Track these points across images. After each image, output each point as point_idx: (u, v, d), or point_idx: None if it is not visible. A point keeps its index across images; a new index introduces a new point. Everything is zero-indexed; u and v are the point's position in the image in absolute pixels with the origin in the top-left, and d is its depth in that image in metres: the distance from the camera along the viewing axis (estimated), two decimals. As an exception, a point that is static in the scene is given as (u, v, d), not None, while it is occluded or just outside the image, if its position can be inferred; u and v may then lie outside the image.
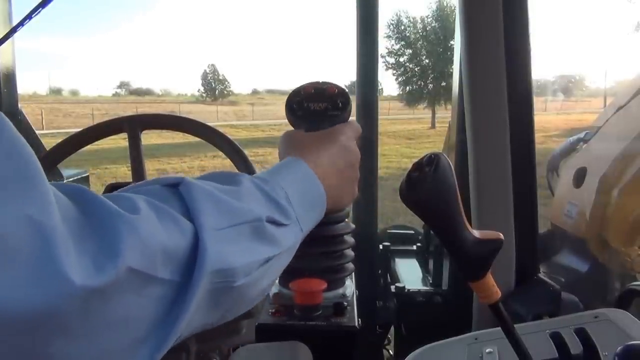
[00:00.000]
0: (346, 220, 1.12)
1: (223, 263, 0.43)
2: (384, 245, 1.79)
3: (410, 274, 1.69)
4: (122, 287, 0.35)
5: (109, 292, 0.34)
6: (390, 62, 29.98)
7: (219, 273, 0.43)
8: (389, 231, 1.95)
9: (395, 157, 12.82)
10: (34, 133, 1.93)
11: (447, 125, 1.84)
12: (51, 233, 0.31)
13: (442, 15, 28.71)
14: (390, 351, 1.74)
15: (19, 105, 1.87)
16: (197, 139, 1.07)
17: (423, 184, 0.53)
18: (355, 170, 0.66)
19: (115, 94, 67.76)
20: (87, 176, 2.13)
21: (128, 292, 0.36)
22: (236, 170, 1.00)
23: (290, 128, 0.70)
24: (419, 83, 30.10)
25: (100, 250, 0.34)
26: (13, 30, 1.28)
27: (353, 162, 0.65)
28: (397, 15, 29.61)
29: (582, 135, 2.63)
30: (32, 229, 0.31)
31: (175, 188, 0.46)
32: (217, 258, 0.43)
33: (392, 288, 1.57)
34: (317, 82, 0.73)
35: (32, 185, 0.32)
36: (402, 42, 30.03)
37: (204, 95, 54.42)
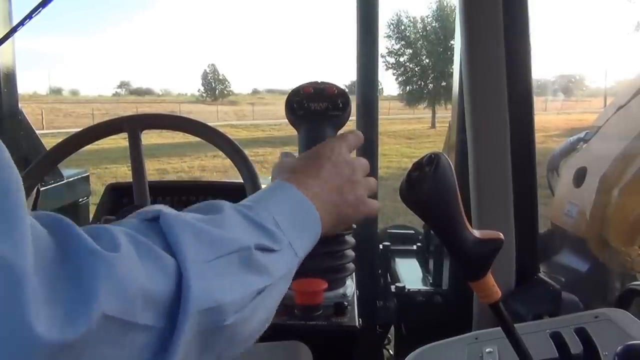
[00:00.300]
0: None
1: (210, 300, 0.40)
2: (384, 245, 1.79)
3: (410, 274, 1.69)
4: (98, 337, 0.33)
5: (81, 346, 0.32)
6: (391, 62, 29.98)
7: (207, 312, 0.40)
8: (389, 231, 1.95)
9: (396, 157, 12.81)
10: (34, 133, 1.93)
11: (447, 125, 1.84)
12: (22, 276, 0.29)
13: (442, 15, 28.69)
14: (390, 351, 1.74)
15: (19, 105, 1.87)
16: (197, 139, 1.07)
17: (423, 183, 0.53)
18: (355, 184, 0.62)
19: (116, 94, 67.76)
20: (88, 176, 2.13)
21: (104, 343, 0.33)
22: (236, 170, 1.00)
23: (291, 128, 0.71)
24: (419, 83, 30.08)
25: (74, 295, 0.32)
26: (13, 30, 1.28)
27: (350, 176, 0.62)
28: (397, 15, 29.61)
29: (582, 135, 2.63)
30: (1, 271, 0.28)
31: (154, 222, 0.43)
32: (203, 295, 0.40)
33: (393, 288, 1.57)
34: (316, 82, 0.73)
35: (8, 220, 0.30)
36: (402, 42, 30.02)
37: (204, 95, 54.41)
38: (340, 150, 0.63)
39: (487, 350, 0.78)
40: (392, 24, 29.62)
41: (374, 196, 0.66)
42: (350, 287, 1.11)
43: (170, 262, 0.40)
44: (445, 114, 23.07)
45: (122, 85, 72.55)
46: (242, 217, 0.48)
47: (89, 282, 0.33)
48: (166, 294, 0.38)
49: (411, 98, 30.13)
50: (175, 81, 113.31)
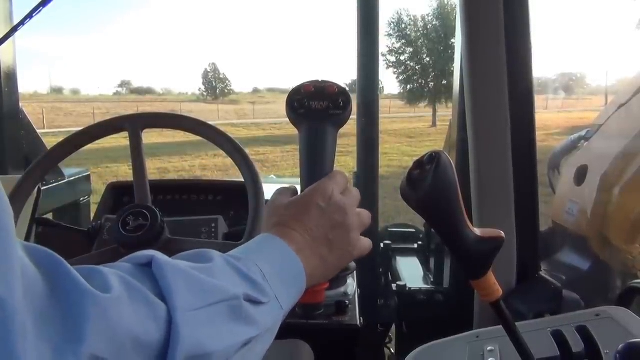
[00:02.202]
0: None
1: (198, 348, 0.40)
2: (385, 244, 1.79)
3: (411, 273, 1.69)
4: None
5: None
6: (391, 61, 29.95)
7: None
8: (390, 229, 1.95)
9: (396, 156, 12.81)
10: (35, 132, 1.92)
11: (448, 123, 1.84)
12: (10, 313, 0.29)
13: (443, 14, 28.65)
14: (391, 349, 1.74)
15: (20, 104, 1.87)
16: (198, 138, 1.07)
17: (424, 182, 0.53)
18: (347, 228, 0.61)
19: (117, 93, 67.80)
20: (89, 175, 2.13)
21: None
22: (237, 170, 1.00)
23: (292, 127, 0.70)
24: (419, 81, 30.06)
25: (63, 335, 0.32)
26: (14, 30, 1.28)
27: (342, 221, 0.60)
28: (398, 13, 29.58)
29: (583, 133, 2.63)
30: None
31: (147, 267, 0.43)
32: (192, 343, 0.40)
33: (394, 286, 1.57)
34: (317, 81, 0.73)
35: None
36: (403, 41, 29.98)
37: (205, 94, 54.44)
38: (329, 194, 0.61)
39: (488, 348, 0.78)
40: (393, 22, 29.61)
41: (366, 233, 0.65)
42: (351, 285, 1.11)
43: (161, 308, 0.40)
44: (446, 112, 23.06)
45: (123, 84, 72.62)
46: (232, 268, 0.48)
47: (78, 322, 0.33)
48: (155, 339, 0.38)
49: (412, 97, 30.11)
50: (176, 80, 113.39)
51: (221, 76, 55.09)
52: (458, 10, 1.10)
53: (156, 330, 0.39)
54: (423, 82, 29.93)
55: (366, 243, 0.65)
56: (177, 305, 0.40)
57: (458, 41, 1.37)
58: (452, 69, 1.59)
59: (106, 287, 0.37)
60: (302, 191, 0.71)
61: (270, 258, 0.53)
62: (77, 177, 1.99)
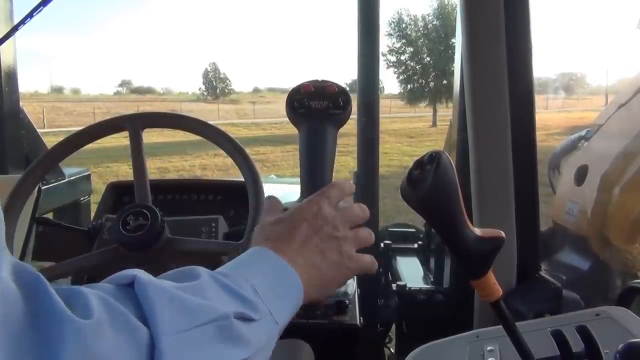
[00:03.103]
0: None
1: None
2: (385, 244, 1.79)
3: (411, 272, 1.69)
4: None
5: None
6: (392, 60, 29.94)
7: None
8: (390, 229, 1.95)
9: (397, 156, 12.81)
10: (36, 132, 1.92)
11: (449, 123, 1.84)
12: None
13: (443, 13, 28.63)
14: (391, 349, 1.74)
15: (21, 103, 1.87)
16: (198, 138, 1.08)
17: (424, 182, 0.53)
18: (339, 240, 0.59)
19: (117, 93, 67.80)
20: (89, 174, 2.13)
21: None
22: (237, 169, 1.00)
23: (292, 126, 0.70)
24: (420, 81, 30.04)
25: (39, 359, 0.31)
26: (14, 29, 1.28)
27: (332, 232, 0.59)
28: (398, 13, 29.56)
29: (583, 133, 2.63)
30: None
31: (129, 288, 0.42)
32: None
33: (394, 286, 1.57)
34: (317, 81, 0.73)
35: None
36: (403, 40, 29.97)
37: (205, 93, 54.44)
38: (317, 208, 0.60)
39: (488, 348, 0.78)
40: (393, 22, 29.60)
41: (366, 250, 0.64)
42: (351, 285, 1.11)
43: (143, 333, 0.38)
44: (447, 112, 23.08)
45: (124, 83, 72.62)
46: (220, 285, 0.46)
47: (55, 350, 0.32)
48: None
49: (412, 96, 30.10)
50: (176, 80, 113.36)
51: (221, 76, 55.10)
52: (458, 10, 1.10)
53: (137, 357, 0.37)
54: (423, 81, 29.92)
55: (367, 259, 0.63)
56: (160, 328, 0.38)
57: (458, 41, 1.37)
58: (453, 68, 1.59)
59: (87, 311, 0.36)
60: (302, 191, 0.71)
61: (262, 271, 0.51)
62: (77, 176, 1.99)
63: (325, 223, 0.59)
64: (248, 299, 0.47)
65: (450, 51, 25.89)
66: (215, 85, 54.44)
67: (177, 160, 13.29)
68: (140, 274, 0.43)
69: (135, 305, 0.40)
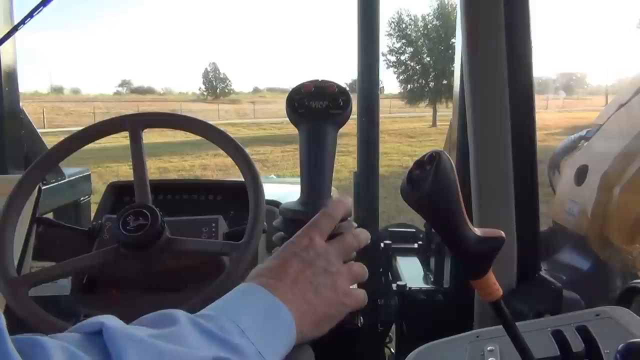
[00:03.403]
0: (348, 218, 1.13)
1: None
2: (385, 244, 1.78)
3: (411, 272, 1.68)
4: None
5: None
6: (392, 61, 29.97)
7: None
8: (390, 229, 1.95)
9: (397, 156, 12.81)
10: (35, 132, 1.92)
11: (449, 123, 1.84)
12: None
13: (443, 13, 28.64)
14: (391, 349, 1.74)
15: (21, 104, 1.87)
16: (198, 138, 1.07)
17: (424, 182, 0.53)
18: (333, 276, 0.57)
19: (117, 93, 67.85)
20: (89, 175, 2.13)
21: None
22: (237, 169, 1.00)
23: (292, 126, 0.71)
24: (420, 81, 30.06)
25: None
26: (14, 30, 1.28)
27: (325, 267, 0.57)
28: (398, 13, 29.59)
29: (583, 133, 2.63)
30: None
31: (97, 336, 0.39)
32: None
33: (394, 286, 1.57)
34: (317, 81, 0.73)
35: None
36: (404, 40, 29.98)
37: (205, 93, 54.50)
38: (308, 242, 0.58)
39: (489, 348, 0.78)
40: (393, 22, 29.62)
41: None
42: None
43: None
44: (447, 112, 23.09)
45: (124, 83, 72.73)
46: (199, 330, 0.44)
47: None
48: None
49: (412, 96, 30.12)
50: (176, 80, 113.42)
51: (221, 76, 55.18)
52: (458, 10, 1.10)
53: None
54: (423, 81, 29.94)
55: (360, 294, 0.62)
56: None
57: (458, 41, 1.37)
58: (453, 68, 1.59)
59: None
60: (302, 190, 0.71)
61: (250, 310, 0.49)
62: (77, 176, 1.99)
63: (318, 257, 0.57)
64: (231, 343, 0.44)
65: (450, 51, 25.89)
66: (215, 85, 54.48)
67: (177, 160, 13.29)
68: (109, 320, 0.40)
69: (102, 355, 0.38)
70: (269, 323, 0.49)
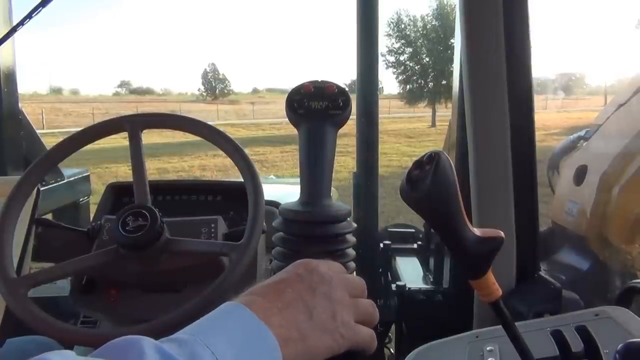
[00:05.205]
0: (348, 219, 1.13)
1: None
2: (384, 244, 1.78)
3: (411, 272, 1.69)
4: None
5: None
6: (391, 61, 29.98)
7: None
8: (389, 229, 1.95)
9: (396, 156, 12.82)
10: (35, 132, 1.92)
11: (448, 123, 1.84)
12: None
13: (442, 14, 28.67)
14: (391, 349, 1.74)
15: (20, 104, 1.87)
16: (197, 138, 1.07)
17: (423, 182, 0.53)
18: (329, 298, 0.53)
19: (116, 93, 67.86)
20: (88, 175, 2.13)
21: None
22: (237, 168, 1.00)
23: (292, 127, 0.71)
24: (419, 81, 30.09)
25: None
26: (14, 30, 1.28)
27: (322, 290, 0.53)
28: (397, 13, 29.61)
29: (582, 133, 2.64)
30: None
31: None
32: None
33: (393, 286, 1.57)
34: (316, 81, 0.73)
35: None
36: (403, 41, 30.00)
37: (205, 94, 54.49)
38: (314, 265, 0.55)
39: (488, 348, 0.78)
40: (392, 22, 29.64)
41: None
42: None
43: None
44: (446, 112, 23.08)
45: (123, 84, 72.71)
46: None
47: None
48: None
49: (411, 97, 30.15)
50: (175, 80, 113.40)
51: (220, 76, 55.16)
52: (458, 10, 1.10)
53: None
54: (422, 82, 29.96)
55: (364, 331, 0.56)
56: None
57: (457, 41, 1.38)
58: (452, 69, 1.59)
59: None
60: (301, 190, 0.71)
61: (229, 333, 0.45)
62: (76, 177, 2.00)
63: (322, 281, 0.53)
64: None
65: (449, 51, 25.92)
66: (215, 86, 54.48)
67: (176, 161, 13.29)
68: (57, 356, 0.37)
69: None
70: (248, 349, 0.45)
